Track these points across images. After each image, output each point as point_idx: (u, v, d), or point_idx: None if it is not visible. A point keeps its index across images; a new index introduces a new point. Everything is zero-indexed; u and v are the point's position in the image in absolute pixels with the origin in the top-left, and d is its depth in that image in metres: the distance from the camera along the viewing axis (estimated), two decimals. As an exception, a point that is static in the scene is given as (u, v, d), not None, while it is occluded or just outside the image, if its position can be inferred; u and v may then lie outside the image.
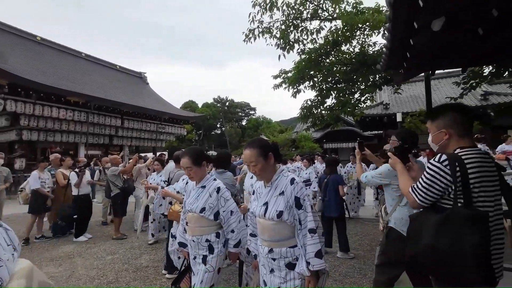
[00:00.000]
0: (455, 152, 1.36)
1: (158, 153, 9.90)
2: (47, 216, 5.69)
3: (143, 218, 6.02)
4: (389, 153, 1.70)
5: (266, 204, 1.62)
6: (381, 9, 4.68)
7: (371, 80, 5.23)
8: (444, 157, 1.33)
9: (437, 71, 3.76)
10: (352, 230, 5.39)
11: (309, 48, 5.39)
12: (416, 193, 1.39)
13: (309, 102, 5.81)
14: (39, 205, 5.14)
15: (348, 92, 5.46)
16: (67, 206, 5.04)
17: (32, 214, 5.10)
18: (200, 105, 47.20)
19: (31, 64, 13.55)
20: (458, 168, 1.28)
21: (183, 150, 4.15)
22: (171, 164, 4.21)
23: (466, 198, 1.25)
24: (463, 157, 1.31)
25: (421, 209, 1.44)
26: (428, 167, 1.38)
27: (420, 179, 1.40)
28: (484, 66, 4.88)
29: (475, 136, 5.82)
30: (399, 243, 2.00)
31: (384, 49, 3.72)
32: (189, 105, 44.36)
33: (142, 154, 8.75)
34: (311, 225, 1.53)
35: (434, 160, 1.38)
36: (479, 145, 5.30)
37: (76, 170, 5.25)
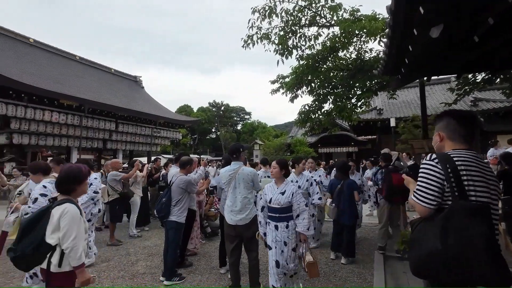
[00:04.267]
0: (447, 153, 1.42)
1: (153, 158, 9.80)
2: None
3: (135, 223, 5.94)
4: (403, 175, 1.77)
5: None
6: (377, 16, 4.78)
7: (368, 85, 5.30)
8: (434, 156, 1.41)
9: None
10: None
11: (307, 53, 5.45)
12: (418, 197, 1.39)
13: (306, 107, 5.86)
14: None
15: (345, 97, 5.52)
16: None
17: None
18: (195, 110, 47.09)
19: (23, 66, 13.33)
20: (448, 165, 1.32)
21: (189, 155, 4.14)
22: (175, 168, 4.17)
23: (461, 193, 1.28)
24: (452, 155, 1.37)
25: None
26: (421, 167, 1.43)
27: (417, 183, 1.43)
28: (477, 73, 5.02)
29: None
30: None
31: (382, 55, 3.79)
32: (184, 109, 44.19)
33: (139, 159, 8.63)
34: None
35: (425, 159, 1.44)
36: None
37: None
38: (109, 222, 5.43)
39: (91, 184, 4.13)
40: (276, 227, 2.81)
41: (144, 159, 15.60)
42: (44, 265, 1.85)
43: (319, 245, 4.93)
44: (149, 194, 6.89)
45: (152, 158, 11.14)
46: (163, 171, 6.90)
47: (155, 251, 4.74)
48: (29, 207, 2.98)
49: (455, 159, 1.35)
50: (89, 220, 4.02)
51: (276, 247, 2.79)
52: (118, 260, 4.31)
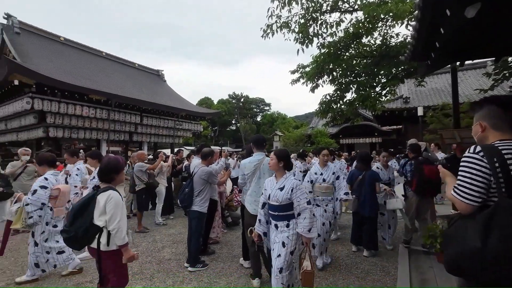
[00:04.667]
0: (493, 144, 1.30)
1: (176, 149, 10.11)
2: None
3: (161, 212, 6.22)
4: (439, 167, 1.63)
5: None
6: (405, -2, 4.49)
7: (393, 72, 5.05)
8: (478, 148, 1.28)
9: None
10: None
11: (328, 41, 5.28)
12: (460, 193, 1.27)
13: (328, 97, 5.72)
14: None
15: (368, 86, 5.31)
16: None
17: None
18: (215, 102, 47.64)
19: (55, 63, 14.15)
20: (495, 159, 1.21)
21: (210, 147, 4.22)
22: (197, 160, 4.27)
23: (509, 190, 1.17)
24: (500, 147, 1.25)
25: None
26: (463, 161, 1.31)
27: (459, 177, 1.31)
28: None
29: None
30: None
31: (409, 39, 3.58)
32: (205, 102, 44.87)
33: (163, 150, 8.95)
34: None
35: (468, 152, 1.32)
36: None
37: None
38: (137, 211, 5.72)
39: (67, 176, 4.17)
40: (276, 226, 2.52)
41: (167, 151, 16.14)
42: (94, 245, 2.13)
43: (339, 237, 4.88)
44: (172, 185, 7.16)
45: (175, 149, 11.51)
46: (186, 162, 7.10)
47: (180, 238, 4.95)
48: (28, 198, 3.09)
49: (504, 151, 1.23)
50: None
51: (273, 249, 2.50)
52: (146, 246, 4.56)
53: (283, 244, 2.43)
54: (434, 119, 11.96)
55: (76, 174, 4.55)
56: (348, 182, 4.24)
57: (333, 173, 3.79)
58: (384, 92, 5.56)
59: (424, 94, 17.73)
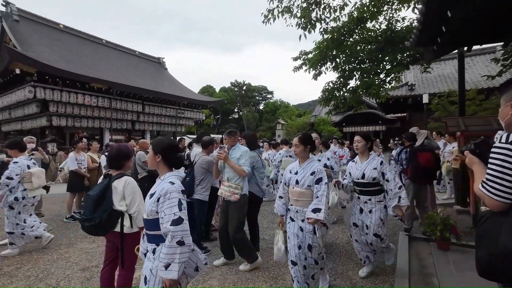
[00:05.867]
0: None
1: (178, 138, 10.14)
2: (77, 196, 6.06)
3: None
4: (466, 152, 1.41)
5: None
6: (412, -20, 4.31)
7: (399, 58, 4.93)
8: None
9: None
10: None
11: (332, 26, 5.14)
12: (489, 188, 1.13)
13: (331, 84, 5.62)
14: (77, 184, 5.53)
15: (373, 73, 5.20)
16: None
17: (71, 192, 5.55)
18: (217, 90, 47.28)
19: (56, 51, 14.04)
20: None
21: (211, 136, 4.20)
22: (198, 148, 4.28)
23: None
24: None
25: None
26: (494, 152, 1.14)
27: (488, 170, 1.16)
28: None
29: None
30: None
31: (415, 23, 3.46)
32: (207, 90, 44.55)
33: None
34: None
35: (500, 142, 1.16)
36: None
37: (106, 153, 5.50)
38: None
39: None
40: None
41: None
42: (117, 228, 2.24)
43: (338, 220, 4.95)
44: (175, 173, 7.22)
45: (177, 138, 11.54)
46: (188, 151, 7.13)
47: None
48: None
49: None
50: (11, 208, 3.70)
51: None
52: (149, 233, 4.65)
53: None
54: (440, 107, 11.77)
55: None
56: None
57: (312, 173, 2.46)
58: (388, 79, 5.45)
59: (430, 81, 17.40)
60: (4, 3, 14.05)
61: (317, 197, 2.36)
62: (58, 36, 15.92)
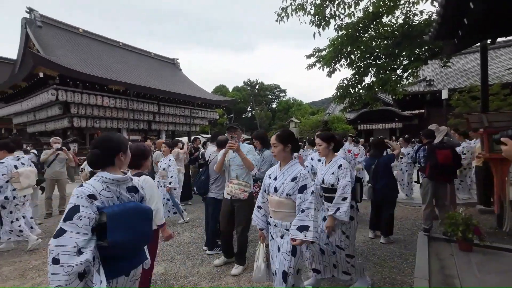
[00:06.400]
0: None
1: (192, 137, 10.32)
2: None
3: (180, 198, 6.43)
4: (503, 139, 1.34)
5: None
6: (431, -29, 4.16)
7: (416, 53, 4.77)
8: None
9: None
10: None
11: (346, 23, 5.04)
12: None
13: (345, 81, 5.53)
14: None
15: (389, 69, 5.06)
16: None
17: None
18: (230, 89, 47.56)
19: (76, 55, 14.61)
20: None
21: (225, 135, 4.26)
22: (212, 147, 4.34)
23: None
24: None
25: None
26: None
27: None
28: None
29: None
30: None
31: (435, 16, 3.34)
32: (220, 90, 44.90)
33: (180, 139, 9.17)
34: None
35: None
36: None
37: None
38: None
39: None
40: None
41: (184, 139, 16.50)
42: None
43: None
44: (190, 172, 7.35)
45: (192, 137, 11.73)
46: (202, 150, 7.23)
47: (198, 223, 5.12)
48: None
49: None
50: (3, 207, 3.83)
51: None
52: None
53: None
54: (460, 102, 11.29)
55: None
56: (366, 169, 4.18)
57: (294, 179, 1.97)
58: (405, 74, 5.29)
59: (450, 75, 16.71)
60: (28, 10, 14.75)
61: (303, 210, 1.86)
62: (78, 40, 16.54)
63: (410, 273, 3.04)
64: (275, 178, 2.08)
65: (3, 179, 3.74)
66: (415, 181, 4.66)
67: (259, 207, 2.20)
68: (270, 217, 2.11)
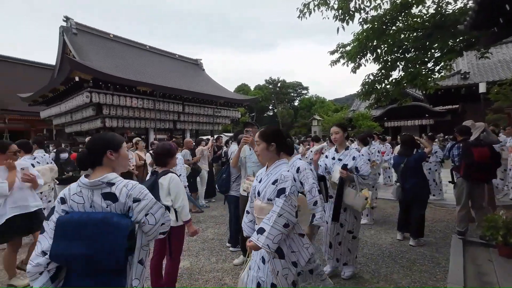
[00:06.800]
0: None
1: (215, 136, 10.52)
2: None
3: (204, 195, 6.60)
4: None
5: None
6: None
7: (450, 45, 4.47)
8: None
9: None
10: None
11: (372, 15, 4.84)
12: None
13: (371, 77, 5.32)
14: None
15: (419, 62, 4.79)
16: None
17: None
18: (252, 88, 47.72)
19: (107, 59, 15.48)
20: None
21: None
22: (234, 146, 4.41)
23: None
24: None
25: None
26: None
27: None
28: None
29: None
30: None
31: (471, 3, 3.10)
32: (242, 89, 45.22)
33: (204, 137, 9.41)
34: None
35: None
36: None
37: (151, 151, 5.96)
38: (190, 193, 6.20)
39: None
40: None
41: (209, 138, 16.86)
42: None
43: (373, 223, 4.70)
44: (214, 170, 7.51)
45: (215, 136, 11.96)
46: (225, 148, 7.37)
47: (221, 220, 5.23)
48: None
49: None
50: None
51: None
52: (191, 226, 4.92)
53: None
54: (501, 96, 10.40)
55: None
56: (393, 167, 4.01)
57: (275, 182, 1.75)
58: (437, 68, 4.97)
59: (488, 67, 15.46)
60: (65, 19, 15.87)
61: (269, 213, 1.65)
62: (109, 44, 17.50)
63: (442, 278, 2.88)
64: (260, 181, 1.86)
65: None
66: (449, 181, 4.37)
67: (247, 212, 1.96)
68: (256, 224, 1.85)
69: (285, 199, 1.62)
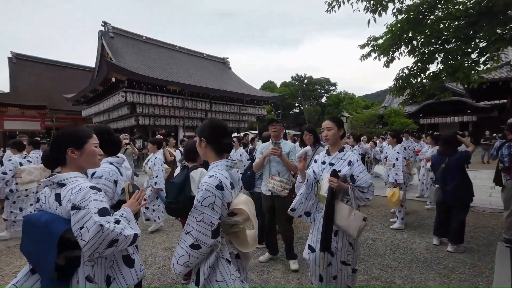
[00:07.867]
0: None
1: (242, 134, 10.64)
2: None
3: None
4: None
5: None
6: None
7: (498, 33, 4.04)
8: None
9: None
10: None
11: (407, 5, 4.54)
12: None
13: (405, 71, 4.99)
14: None
15: (460, 53, 4.40)
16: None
17: None
18: (278, 85, 47.42)
19: (140, 60, 16.31)
20: None
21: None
22: (260, 144, 4.42)
23: None
24: None
25: None
26: None
27: None
28: None
29: None
30: None
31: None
32: (268, 86, 45.13)
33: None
34: None
35: None
36: None
37: (181, 148, 6.19)
38: None
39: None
40: None
41: (233, 135, 17.08)
42: None
43: (404, 227, 4.42)
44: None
45: (241, 134, 12.08)
46: (250, 146, 7.41)
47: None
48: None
49: None
50: (7, 198, 4.42)
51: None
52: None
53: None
54: (559, 89, 9.22)
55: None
56: (431, 168, 3.75)
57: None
58: (483, 59, 4.51)
59: (544, 57, 13.77)
60: (103, 24, 16.99)
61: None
62: (142, 46, 18.42)
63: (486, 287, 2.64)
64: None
65: (10, 174, 4.31)
66: (497, 184, 3.98)
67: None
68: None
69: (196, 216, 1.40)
